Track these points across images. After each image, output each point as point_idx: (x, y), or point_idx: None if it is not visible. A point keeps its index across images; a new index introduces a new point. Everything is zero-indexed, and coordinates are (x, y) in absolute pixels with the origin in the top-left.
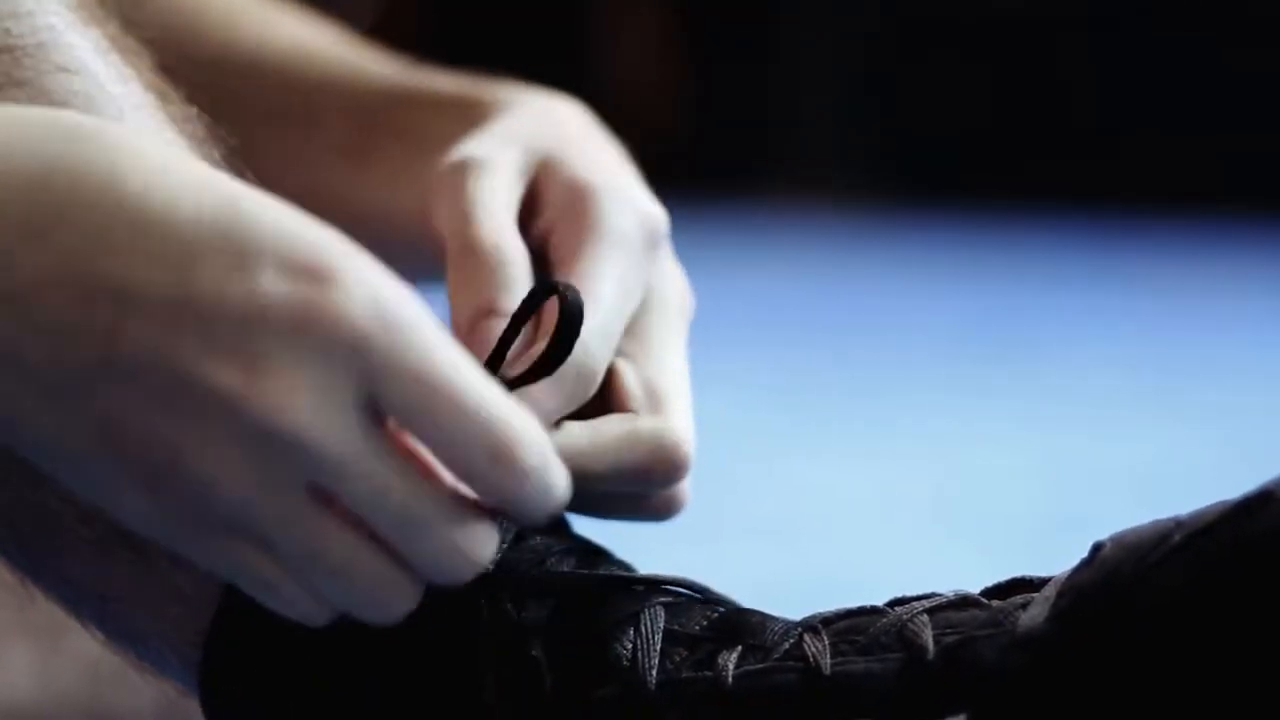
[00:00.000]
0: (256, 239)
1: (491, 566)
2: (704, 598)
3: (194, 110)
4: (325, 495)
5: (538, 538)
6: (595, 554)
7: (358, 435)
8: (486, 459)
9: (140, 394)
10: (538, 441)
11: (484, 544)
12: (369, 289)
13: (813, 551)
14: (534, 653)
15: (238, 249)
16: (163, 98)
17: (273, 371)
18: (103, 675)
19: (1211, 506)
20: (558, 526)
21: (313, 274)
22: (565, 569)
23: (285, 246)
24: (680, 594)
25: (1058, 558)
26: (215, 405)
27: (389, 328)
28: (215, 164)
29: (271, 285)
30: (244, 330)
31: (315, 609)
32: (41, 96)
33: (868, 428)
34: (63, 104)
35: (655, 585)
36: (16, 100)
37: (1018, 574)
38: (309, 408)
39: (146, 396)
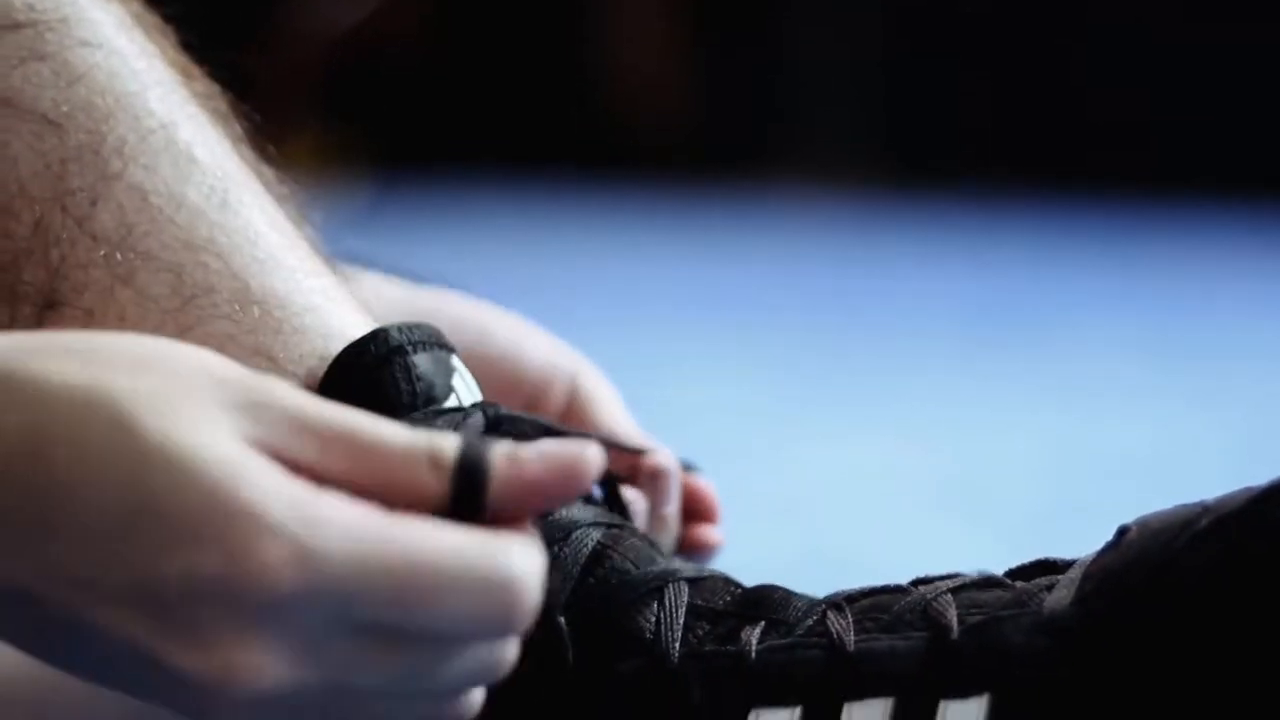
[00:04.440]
0: (170, 517)
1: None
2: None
3: (217, 87)
4: None
5: (563, 510)
6: (619, 528)
7: (342, 658)
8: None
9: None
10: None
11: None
12: (281, 539)
13: (820, 532)
14: (558, 622)
15: (156, 530)
16: (186, 74)
17: (223, 644)
18: None
19: (1237, 492)
20: (585, 498)
21: (226, 541)
22: (590, 546)
23: (195, 519)
24: (704, 570)
25: (1065, 540)
26: (193, 689)
27: (312, 568)
28: (239, 139)
29: (197, 562)
30: (186, 608)
31: None
32: (64, 70)
33: (875, 410)
34: (84, 77)
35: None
36: (40, 74)
37: (1025, 556)
38: (276, 664)
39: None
